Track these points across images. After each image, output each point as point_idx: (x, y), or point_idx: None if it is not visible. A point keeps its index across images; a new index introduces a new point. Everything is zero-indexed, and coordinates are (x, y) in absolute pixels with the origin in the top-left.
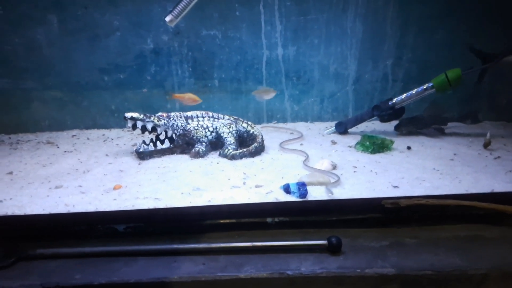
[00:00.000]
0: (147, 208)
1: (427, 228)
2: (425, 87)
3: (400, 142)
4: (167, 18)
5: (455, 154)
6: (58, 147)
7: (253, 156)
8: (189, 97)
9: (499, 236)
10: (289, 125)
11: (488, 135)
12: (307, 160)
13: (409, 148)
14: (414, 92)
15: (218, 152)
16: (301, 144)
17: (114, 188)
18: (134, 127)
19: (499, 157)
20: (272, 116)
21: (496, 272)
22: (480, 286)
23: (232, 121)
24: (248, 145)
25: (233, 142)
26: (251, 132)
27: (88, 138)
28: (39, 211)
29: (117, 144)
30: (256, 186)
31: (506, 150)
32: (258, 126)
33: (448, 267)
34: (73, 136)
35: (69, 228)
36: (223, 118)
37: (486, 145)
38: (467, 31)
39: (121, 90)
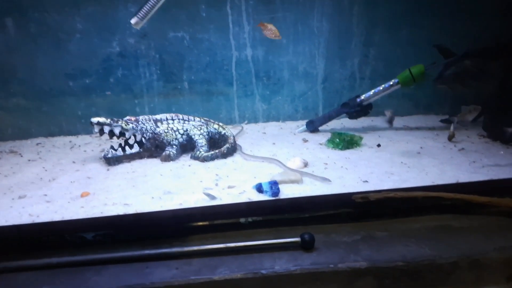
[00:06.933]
0: (116, 214)
1: (397, 221)
2: (391, 83)
3: (369, 138)
4: (133, 21)
5: (421, 147)
6: (21, 156)
7: (225, 157)
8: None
9: (467, 225)
10: (261, 124)
11: (451, 127)
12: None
13: (379, 145)
14: (381, 88)
15: (189, 155)
16: (274, 143)
17: (82, 196)
18: (102, 132)
19: (463, 148)
20: (243, 117)
21: (465, 260)
22: (451, 274)
23: (203, 122)
24: (220, 147)
25: (205, 144)
26: (222, 133)
27: (53, 146)
28: (1, 223)
29: (85, 151)
30: (229, 187)
31: (470, 141)
32: (229, 127)
33: (419, 258)
34: (37, 144)
35: (34, 239)
36: (194, 120)
37: (450, 138)
38: (431, 28)
39: (87, 95)
